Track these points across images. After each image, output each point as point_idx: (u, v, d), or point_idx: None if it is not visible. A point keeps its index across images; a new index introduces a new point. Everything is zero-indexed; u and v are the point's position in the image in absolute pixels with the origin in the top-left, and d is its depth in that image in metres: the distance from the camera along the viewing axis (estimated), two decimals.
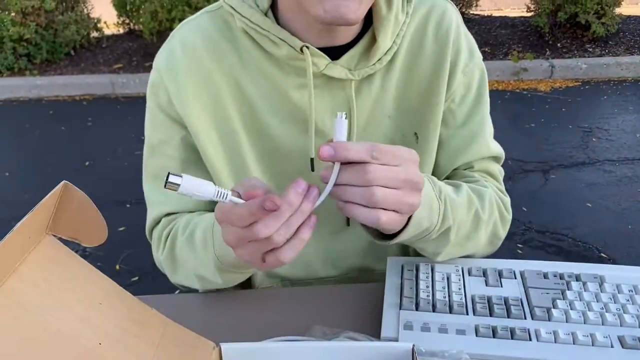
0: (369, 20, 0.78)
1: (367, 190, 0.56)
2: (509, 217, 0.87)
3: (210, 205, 0.84)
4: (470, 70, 0.85)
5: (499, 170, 0.90)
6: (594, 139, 3.52)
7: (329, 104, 0.79)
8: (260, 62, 0.78)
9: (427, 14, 0.83)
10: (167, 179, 0.51)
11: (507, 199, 0.88)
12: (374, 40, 0.77)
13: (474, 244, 0.80)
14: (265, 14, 0.75)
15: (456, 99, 0.85)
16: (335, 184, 0.57)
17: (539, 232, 2.57)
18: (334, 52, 0.76)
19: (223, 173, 0.82)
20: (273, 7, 0.77)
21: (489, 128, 0.89)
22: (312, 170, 0.79)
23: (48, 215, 0.57)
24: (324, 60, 0.75)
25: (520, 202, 2.82)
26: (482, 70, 0.87)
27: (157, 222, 0.87)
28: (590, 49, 4.96)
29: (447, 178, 0.88)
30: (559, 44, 5.07)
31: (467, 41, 0.85)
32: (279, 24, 0.76)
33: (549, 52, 4.96)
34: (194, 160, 0.83)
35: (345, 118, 0.59)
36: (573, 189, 2.94)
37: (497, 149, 0.90)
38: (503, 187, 0.90)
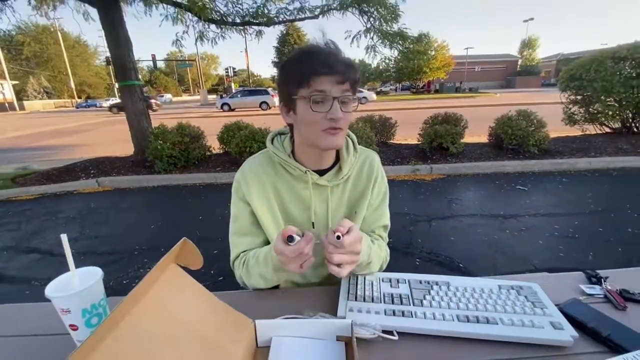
0: (337, 158, 0.83)
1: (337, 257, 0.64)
2: (388, 258, 0.88)
3: (263, 245, 0.84)
4: (379, 185, 0.88)
5: (386, 236, 0.92)
6: (454, 204, 3.51)
7: (318, 197, 0.82)
8: (286, 177, 0.81)
9: (365, 159, 0.87)
10: (290, 238, 0.62)
11: (388, 250, 0.89)
12: (339, 168, 0.82)
13: (376, 269, 0.81)
14: (289, 155, 0.80)
15: (374, 197, 0.87)
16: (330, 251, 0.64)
17: (428, 253, 2.51)
18: (321, 172, 0.81)
19: (269, 229, 0.82)
20: (293, 149, 0.81)
21: (387, 213, 0.91)
22: (313, 227, 0.82)
23: (175, 254, 0.59)
24: (316, 176, 0.79)
25: (417, 237, 2.77)
26: (386, 185, 0.90)
27: (237, 257, 0.85)
28: (450, 159, 5.05)
29: None
30: (434, 157, 5.16)
31: (381, 172, 0.89)
32: (295, 158, 0.80)
33: (430, 161, 5.04)
34: (255, 223, 0.83)
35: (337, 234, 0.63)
36: (444, 230, 2.90)
37: (388, 222, 0.91)
38: (386, 242, 0.91)
